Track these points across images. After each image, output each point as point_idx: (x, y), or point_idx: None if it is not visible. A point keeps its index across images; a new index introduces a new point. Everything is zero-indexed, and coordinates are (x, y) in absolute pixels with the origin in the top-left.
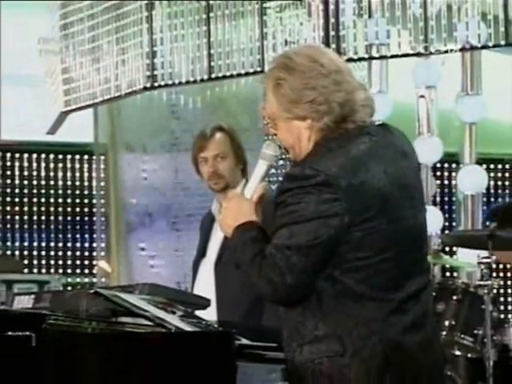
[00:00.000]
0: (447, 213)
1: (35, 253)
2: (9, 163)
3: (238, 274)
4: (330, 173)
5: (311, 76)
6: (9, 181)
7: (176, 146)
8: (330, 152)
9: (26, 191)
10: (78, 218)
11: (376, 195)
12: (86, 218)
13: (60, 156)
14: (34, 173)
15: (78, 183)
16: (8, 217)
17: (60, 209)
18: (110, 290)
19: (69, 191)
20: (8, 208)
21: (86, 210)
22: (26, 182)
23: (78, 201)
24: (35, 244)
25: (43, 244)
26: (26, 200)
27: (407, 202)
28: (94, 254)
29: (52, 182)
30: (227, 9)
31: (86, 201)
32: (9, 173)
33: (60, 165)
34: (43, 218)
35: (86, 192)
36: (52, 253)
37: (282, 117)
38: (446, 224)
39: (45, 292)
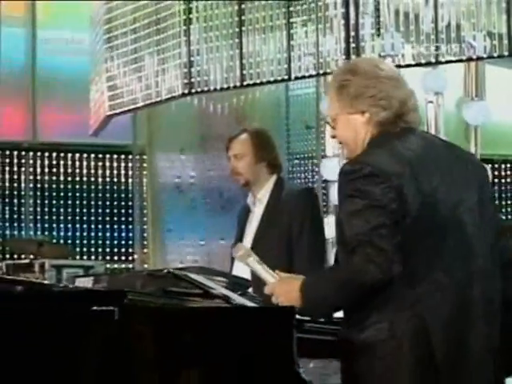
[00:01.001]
0: None
1: (78, 241)
2: (54, 162)
3: (271, 260)
4: (376, 164)
5: (373, 77)
6: (54, 177)
7: (205, 147)
8: (379, 148)
9: (69, 187)
10: (116, 211)
11: (419, 188)
12: (123, 211)
13: (100, 155)
14: (77, 170)
15: (116, 180)
16: (54, 209)
17: (100, 202)
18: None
19: (108, 187)
20: (54, 202)
21: (123, 203)
22: (69, 179)
23: (116, 195)
24: (78, 234)
25: (85, 234)
26: (69, 194)
27: (451, 194)
28: (130, 242)
29: (93, 179)
30: (258, 23)
31: (123, 195)
32: (54, 170)
33: (100, 163)
34: (85, 210)
35: (123, 187)
36: (93, 241)
37: (343, 113)
38: None
39: (101, 274)
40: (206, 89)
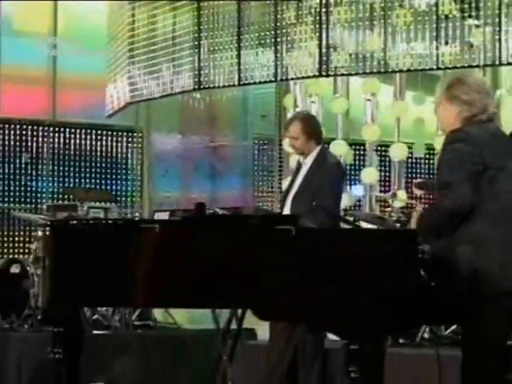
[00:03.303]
0: None
1: None
2: (68, 135)
3: (302, 207)
4: (467, 132)
5: (471, 89)
6: (67, 147)
7: (187, 129)
8: (468, 127)
9: (78, 154)
10: (118, 173)
11: (492, 154)
12: (124, 172)
13: (108, 133)
14: (85, 142)
15: (120, 151)
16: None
17: (105, 165)
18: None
19: (114, 156)
20: (66, 166)
21: (124, 167)
22: (78, 148)
23: (119, 162)
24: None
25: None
26: (78, 160)
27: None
28: (129, 193)
29: (100, 150)
30: (253, 41)
31: (125, 162)
32: (67, 142)
33: (109, 138)
34: (90, 171)
35: (126, 156)
36: None
37: (444, 104)
38: None
39: (176, 210)
40: (211, 86)
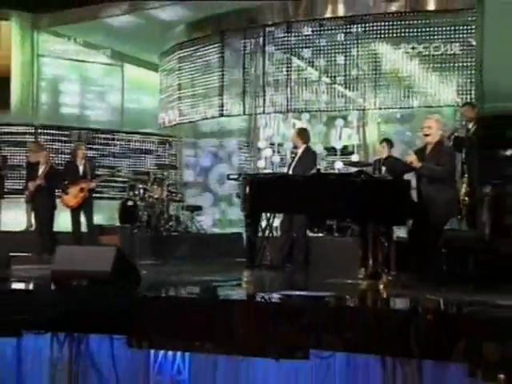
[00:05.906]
0: None
1: None
2: (130, 138)
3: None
4: None
5: None
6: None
7: (204, 139)
8: None
9: (133, 152)
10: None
11: None
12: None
13: (152, 138)
14: (137, 145)
15: (165, 153)
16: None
17: (151, 158)
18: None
19: (161, 157)
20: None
21: (163, 161)
22: (133, 146)
23: (161, 162)
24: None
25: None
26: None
27: None
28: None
29: (150, 150)
30: (253, 93)
31: (166, 162)
32: (129, 141)
33: (156, 142)
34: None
35: (167, 158)
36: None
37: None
38: None
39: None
40: (230, 115)
